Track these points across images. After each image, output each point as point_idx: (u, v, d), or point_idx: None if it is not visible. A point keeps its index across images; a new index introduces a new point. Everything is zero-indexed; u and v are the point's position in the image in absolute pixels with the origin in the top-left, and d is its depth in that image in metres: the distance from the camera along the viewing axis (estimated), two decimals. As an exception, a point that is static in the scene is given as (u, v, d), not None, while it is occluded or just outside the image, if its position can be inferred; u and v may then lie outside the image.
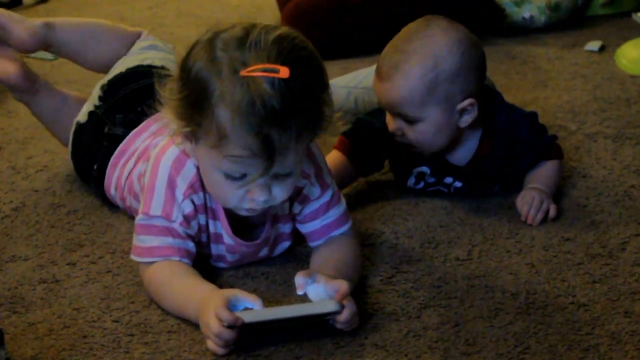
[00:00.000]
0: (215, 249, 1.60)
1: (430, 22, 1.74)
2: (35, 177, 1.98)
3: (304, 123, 1.40)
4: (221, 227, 1.57)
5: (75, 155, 1.88)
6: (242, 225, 1.59)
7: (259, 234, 1.60)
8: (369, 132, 1.83)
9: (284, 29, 1.43)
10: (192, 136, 1.45)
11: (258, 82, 1.36)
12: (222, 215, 1.56)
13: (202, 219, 1.56)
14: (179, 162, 1.53)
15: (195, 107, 1.41)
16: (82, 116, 1.87)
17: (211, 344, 1.40)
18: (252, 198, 1.46)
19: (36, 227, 1.78)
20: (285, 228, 1.63)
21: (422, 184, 1.85)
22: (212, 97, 1.39)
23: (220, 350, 1.40)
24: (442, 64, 1.69)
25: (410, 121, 1.73)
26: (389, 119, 1.77)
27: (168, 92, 1.46)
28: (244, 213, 1.52)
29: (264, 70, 1.37)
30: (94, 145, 1.83)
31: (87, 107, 1.88)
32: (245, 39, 1.40)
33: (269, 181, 1.45)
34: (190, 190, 1.53)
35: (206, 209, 1.56)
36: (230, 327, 1.37)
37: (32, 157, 2.07)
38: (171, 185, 1.53)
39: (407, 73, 1.70)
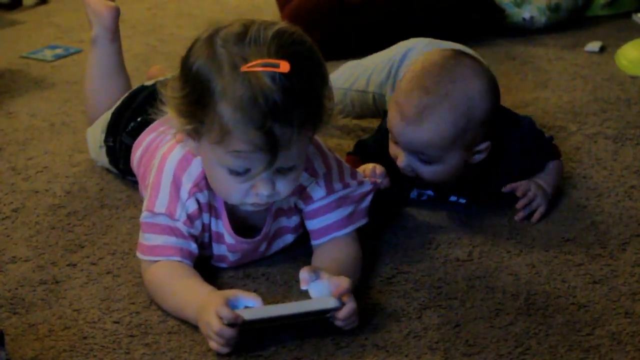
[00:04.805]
0: (217, 249, 1.60)
1: (458, 62, 1.67)
2: (35, 178, 1.97)
3: (305, 116, 1.41)
4: (222, 226, 1.57)
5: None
6: (243, 224, 1.59)
7: (259, 230, 1.60)
8: (375, 156, 1.78)
9: (283, 24, 1.44)
10: (195, 133, 1.46)
11: (259, 77, 1.37)
12: (224, 214, 1.56)
13: (205, 217, 1.56)
14: (185, 161, 1.53)
15: (197, 104, 1.42)
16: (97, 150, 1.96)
17: (214, 344, 1.40)
18: (256, 193, 1.46)
19: (36, 228, 1.78)
20: (290, 222, 1.63)
21: (424, 197, 1.84)
22: (213, 93, 1.39)
23: (223, 349, 1.40)
24: (474, 110, 1.65)
25: (427, 161, 1.69)
26: (397, 152, 1.72)
27: (170, 90, 1.46)
28: (248, 208, 1.52)
29: (264, 65, 1.37)
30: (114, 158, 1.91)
31: (98, 143, 1.94)
32: (245, 35, 1.41)
33: (272, 175, 1.45)
34: (195, 188, 1.53)
35: (210, 208, 1.56)
36: (231, 325, 1.37)
37: (32, 158, 2.07)
38: (176, 183, 1.53)
39: (439, 118, 1.64)
